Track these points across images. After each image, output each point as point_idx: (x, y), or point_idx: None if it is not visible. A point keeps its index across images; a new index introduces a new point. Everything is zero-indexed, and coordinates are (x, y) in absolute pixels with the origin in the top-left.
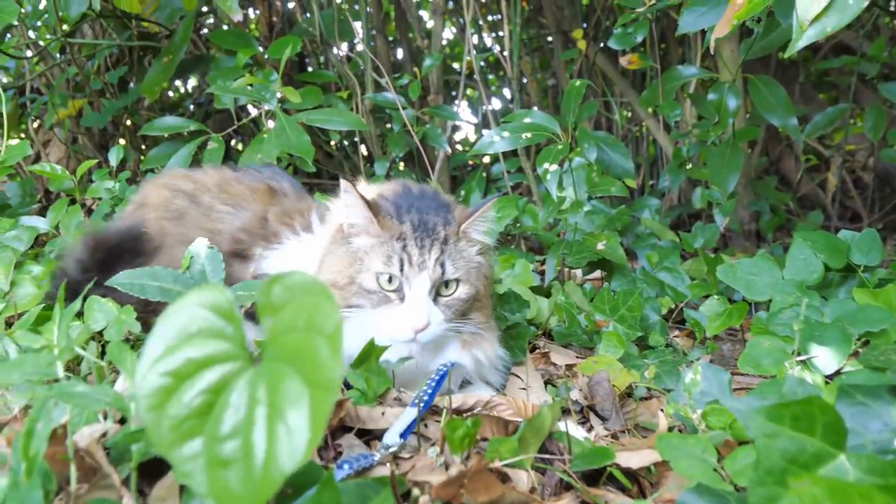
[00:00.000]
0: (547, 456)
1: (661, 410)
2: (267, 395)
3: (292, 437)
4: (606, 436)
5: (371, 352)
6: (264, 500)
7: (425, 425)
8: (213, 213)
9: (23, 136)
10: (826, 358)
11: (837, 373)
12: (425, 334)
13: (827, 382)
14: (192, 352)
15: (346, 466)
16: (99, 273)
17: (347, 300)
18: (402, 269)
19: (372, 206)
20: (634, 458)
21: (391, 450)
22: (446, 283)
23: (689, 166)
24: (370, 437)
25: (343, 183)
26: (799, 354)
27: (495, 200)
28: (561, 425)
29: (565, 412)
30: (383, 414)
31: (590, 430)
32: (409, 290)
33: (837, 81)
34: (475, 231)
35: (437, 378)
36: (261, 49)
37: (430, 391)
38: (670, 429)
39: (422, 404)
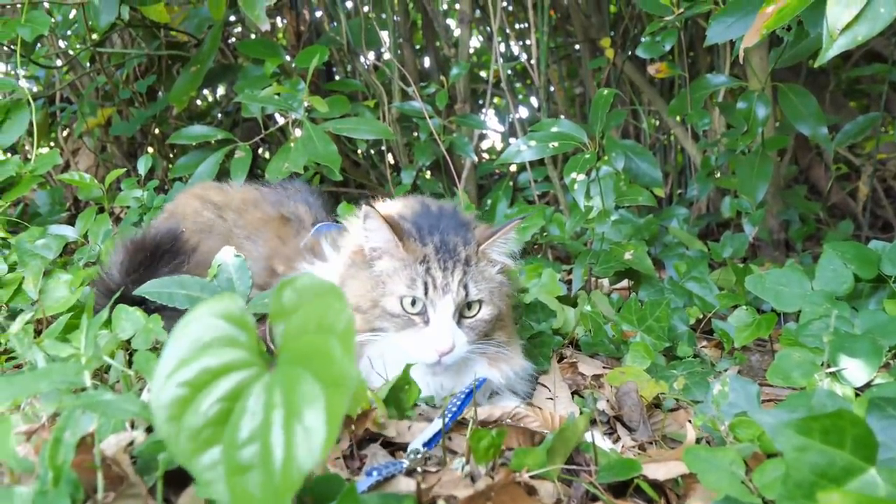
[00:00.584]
0: (573, 467)
1: (689, 422)
2: (283, 398)
3: (310, 436)
4: (633, 447)
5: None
6: (285, 502)
7: (449, 438)
8: (233, 238)
9: (52, 144)
10: (856, 370)
11: (868, 385)
12: (450, 357)
13: (857, 395)
14: (207, 361)
15: (374, 473)
16: (143, 273)
17: (371, 324)
18: (426, 293)
19: (396, 229)
20: (661, 469)
21: (420, 455)
22: (469, 305)
23: (717, 175)
24: (394, 448)
25: (364, 209)
26: (828, 366)
27: (518, 223)
28: (587, 436)
29: (592, 423)
30: (409, 428)
31: (616, 441)
32: (433, 313)
33: (868, 89)
34: (495, 252)
35: (466, 392)
36: (288, 58)
37: (458, 403)
38: (698, 440)
39: (449, 416)
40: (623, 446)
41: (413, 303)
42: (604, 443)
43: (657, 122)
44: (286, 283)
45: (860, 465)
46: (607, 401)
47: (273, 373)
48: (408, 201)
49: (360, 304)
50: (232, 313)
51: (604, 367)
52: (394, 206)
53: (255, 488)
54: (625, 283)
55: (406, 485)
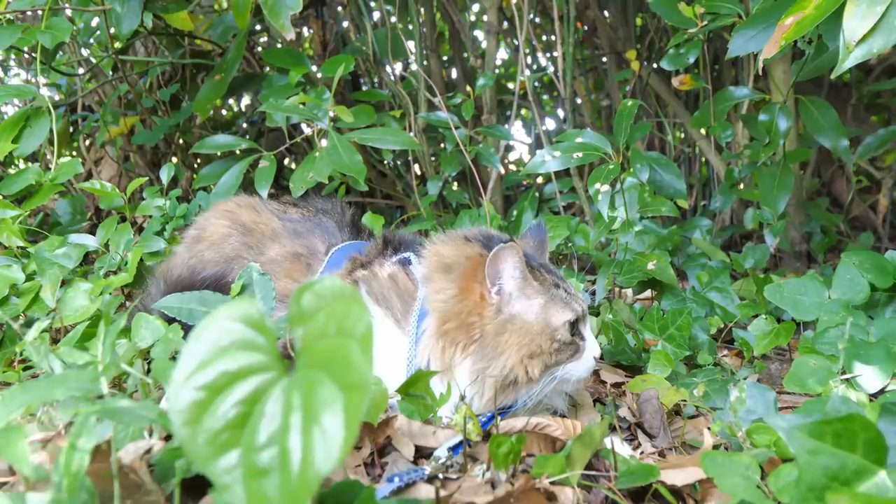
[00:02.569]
0: (592, 473)
1: (707, 428)
2: (301, 402)
3: (327, 439)
4: (653, 453)
5: (419, 378)
6: None
7: (469, 445)
8: None
9: (74, 153)
10: (870, 376)
11: (882, 391)
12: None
13: (871, 400)
14: (224, 365)
15: (396, 479)
16: None
17: (548, 362)
18: (582, 311)
19: (527, 263)
20: (679, 475)
21: (441, 461)
22: None
23: (740, 187)
24: (417, 455)
25: (498, 249)
26: (844, 373)
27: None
28: (607, 442)
29: (612, 429)
30: (434, 433)
31: (637, 447)
32: (584, 327)
33: (889, 103)
34: None
35: (491, 413)
36: (314, 68)
37: (490, 414)
38: (716, 446)
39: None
40: (642, 452)
41: (572, 325)
42: (624, 449)
43: (682, 134)
44: (305, 287)
45: (871, 468)
46: (628, 408)
47: (292, 376)
48: (469, 232)
49: (537, 349)
50: (250, 317)
51: (626, 376)
52: (456, 242)
53: (273, 491)
54: (648, 293)
55: (426, 491)
